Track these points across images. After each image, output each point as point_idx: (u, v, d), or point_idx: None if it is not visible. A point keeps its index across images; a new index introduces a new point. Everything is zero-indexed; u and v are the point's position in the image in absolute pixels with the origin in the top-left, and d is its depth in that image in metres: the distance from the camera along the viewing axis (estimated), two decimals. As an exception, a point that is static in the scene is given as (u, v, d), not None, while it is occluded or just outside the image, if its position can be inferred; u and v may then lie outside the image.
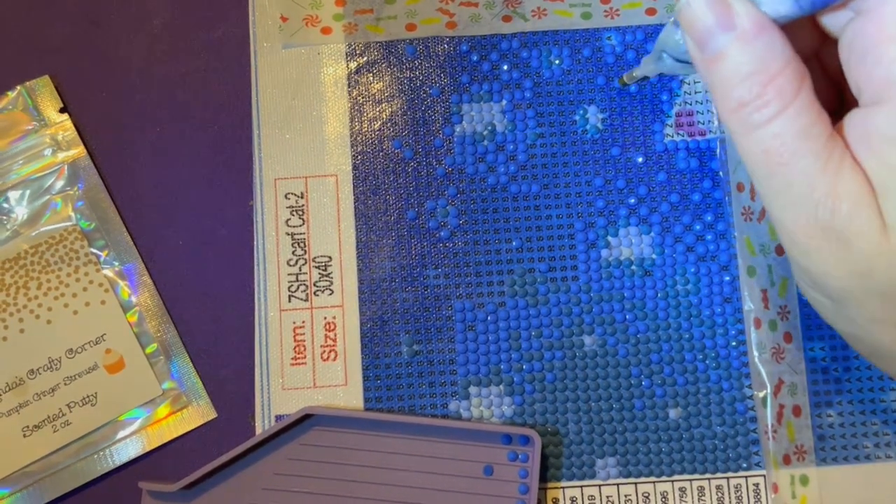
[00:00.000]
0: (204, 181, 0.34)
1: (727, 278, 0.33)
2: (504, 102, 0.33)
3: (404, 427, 0.32)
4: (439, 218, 0.33)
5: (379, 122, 0.34)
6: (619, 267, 0.33)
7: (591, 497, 0.32)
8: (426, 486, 0.31)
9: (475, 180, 0.33)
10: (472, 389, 0.32)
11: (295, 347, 0.33)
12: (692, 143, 0.33)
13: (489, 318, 0.33)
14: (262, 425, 0.32)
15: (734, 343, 0.32)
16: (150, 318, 0.33)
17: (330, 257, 0.33)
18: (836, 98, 0.25)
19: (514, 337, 0.32)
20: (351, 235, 0.33)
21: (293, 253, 0.33)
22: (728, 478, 0.32)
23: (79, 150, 0.33)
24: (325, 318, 0.33)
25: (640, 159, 0.33)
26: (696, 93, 0.33)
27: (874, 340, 0.23)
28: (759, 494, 0.32)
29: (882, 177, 0.21)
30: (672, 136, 0.33)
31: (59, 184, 0.33)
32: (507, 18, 0.34)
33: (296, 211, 0.33)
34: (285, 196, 0.33)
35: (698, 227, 0.33)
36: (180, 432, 0.32)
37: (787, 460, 0.31)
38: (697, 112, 0.33)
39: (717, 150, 0.33)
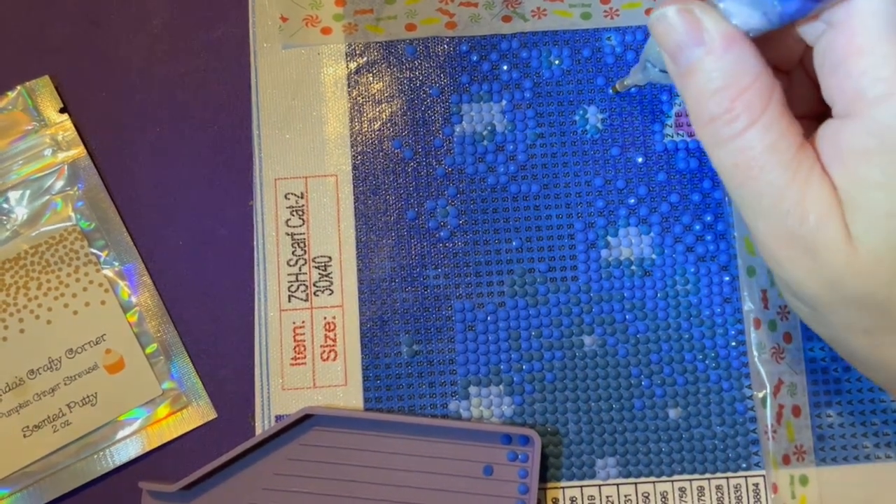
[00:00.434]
0: (204, 181, 0.34)
1: (727, 278, 0.33)
2: (504, 102, 0.34)
3: (404, 427, 0.32)
4: (439, 218, 0.33)
5: (379, 123, 0.34)
6: (619, 267, 0.33)
7: (591, 497, 0.32)
8: (426, 487, 0.31)
9: (475, 180, 0.33)
10: (472, 389, 0.32)
11: (295, 347, 0.33)
12: (692, 143, 0.33)
13: (489, 318, 0.33)
14: (262, 425, 0.32)
15: (734, 343, 0.32)
16: (150, 319, 0.33)
17: (330, 257, 0.33)
18: (821, 103, 0.25)
19: (513, 337, 0.32)
20: (351, 235, 0.33)
21: (293, 253, 0.33)
22: (728, 478, 0.32)
23: (79, 151, 0.33)
24: (325, 318, 0.33)
25: (640, 159, 0.33)
26: (695, 93, 0.33)
27: (850, 346, 0.23)
28: (758, 494, 0.32)
29: (848, 189, 0.21)
30: (672, 137, 0.33)
31: (59, 184, 0.33)
32: (506, 19, 0.34)
33: (296, 211, 0.33)
34: (285, 196, 0.33)
35: (698, 228, 0.33)
36: (180, 432, 0.32)
37: (786, 460, 0.31)
38: (697, 112, 0.33)
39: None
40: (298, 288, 0.33)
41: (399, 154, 0.33)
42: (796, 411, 0.32)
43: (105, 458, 0.32)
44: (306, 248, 0.33)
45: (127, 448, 0.32)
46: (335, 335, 0.33)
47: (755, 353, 0.32)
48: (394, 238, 0.33)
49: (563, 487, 0.32)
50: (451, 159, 0.33)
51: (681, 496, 0.32)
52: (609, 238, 0.33)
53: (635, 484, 0.32)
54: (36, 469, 0.32)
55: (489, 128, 0.33)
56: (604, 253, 0.33)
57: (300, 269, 0.33)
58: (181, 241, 0.33)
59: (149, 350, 0.33)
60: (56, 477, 0.32)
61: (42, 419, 0.32)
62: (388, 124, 0.34)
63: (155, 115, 0.34)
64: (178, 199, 0.33)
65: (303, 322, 0.33)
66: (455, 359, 0.32)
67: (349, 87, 0.34)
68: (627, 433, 0.32)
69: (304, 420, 0.32)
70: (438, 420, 0.31)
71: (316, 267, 0.33)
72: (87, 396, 0.32)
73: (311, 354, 0.33)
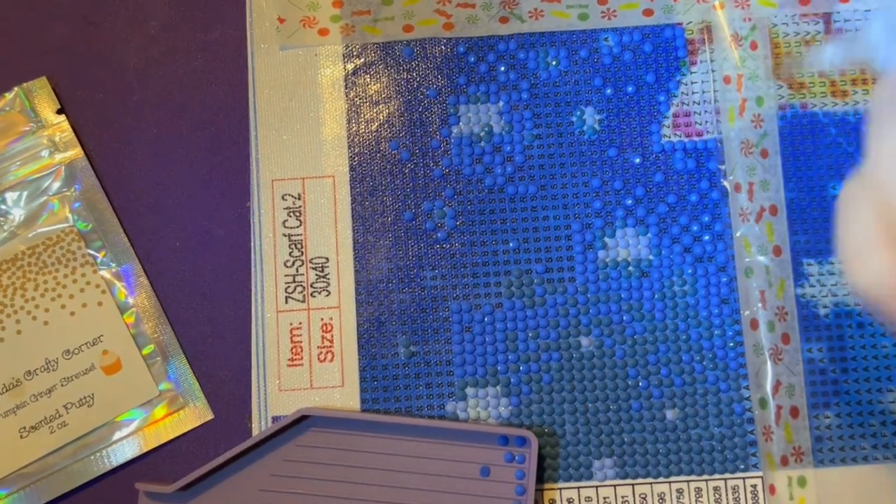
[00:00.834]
0: (201, 182, 0.34)
1: (724, 279, 0.33)
2: (501, 104, 0.33)
3: (401, 428, 0.31)
4: (436, 219, 0.33)
5: (376, 124, 0.34)
6: (616, 268, 0.33)
7: (588, 498, 0.32)
8: (423, 487, 0.31)
9: (472, 181, 0.33)
10: (469, 390, 0.32)
11: (292, 348, 0.33)
12: (689, 143, 0.33)
13: (486, 319, 0.33)
14: (259, 426, 0.32)
15: (731, 344, 0.32)
16: (147, 320, 0.33)
17: (327, 258, 0.33)
18: None
19: (510, 338, 0.32)
20: (348, 237, 0.33)
21: (290, 254, 0.33)
22: (725, 479, 0.32)
23: (76, 152, 0.33)
24: (322, 319, 0.33)
25: (638, 160, 0.33)
26: (693, 93, 0.33)
27: None
28: (756, 496, 0.32)
29: None
30: (669, 137, 0.33)
31: (56, 185, 0.33)
32: (504, 20, 0.34)
33: (293, 212, 0.33)
34: (282, 197, 0.33)
35: (695, 228, 0.33)
36: (177, 433, 0.32)
37: (784, 461, 0.31)
38: (694, 112, 0.33)
39: (715, 151, 0.33)
40: (295, 289, 0.33)
41: (396, 155, 0.33)
42: (794, 412, 0.32)
43: (102, 459, 0.32)
44: (303, 250, 0.33)
45: (124, 449, 0.32)
46: (332, 336, 0.33)
47: (753, 354, 0.32)
48: (391, 239, 0.33)
49: (559, 488, 0.32)
50: (448, 160, 0.33)
51: (678, 497, 0.32)
52: (606, 239, 0.33)
53: (632, 485, 0.32)
54: (33, 470, 0.32)
55: (486, 129, 0.33)
56: (601, 254, 0.33)
57: (297, 271, 0.33)
58: (178, 242, 0.33)
59: (146, 351, 0.33)
60: (53, 478, 0.32)
61: (39, 420, 0.32)
62: (386, 125, 0.34)
63: (152, 117, 0.34)
64: (175, 200, 0.33)
65: (300, 323, 0.33)
66: (452, 360, 0.32)
67: (346, 88, 0.34)
68: (625, 434, 0.32)
69: (301, 421, 0.32)
70: (435, 421, 0.31)
71: (313, 268, 0.33)
72: (84, 397, 0.32)
73: (307, 355, 0.33)
